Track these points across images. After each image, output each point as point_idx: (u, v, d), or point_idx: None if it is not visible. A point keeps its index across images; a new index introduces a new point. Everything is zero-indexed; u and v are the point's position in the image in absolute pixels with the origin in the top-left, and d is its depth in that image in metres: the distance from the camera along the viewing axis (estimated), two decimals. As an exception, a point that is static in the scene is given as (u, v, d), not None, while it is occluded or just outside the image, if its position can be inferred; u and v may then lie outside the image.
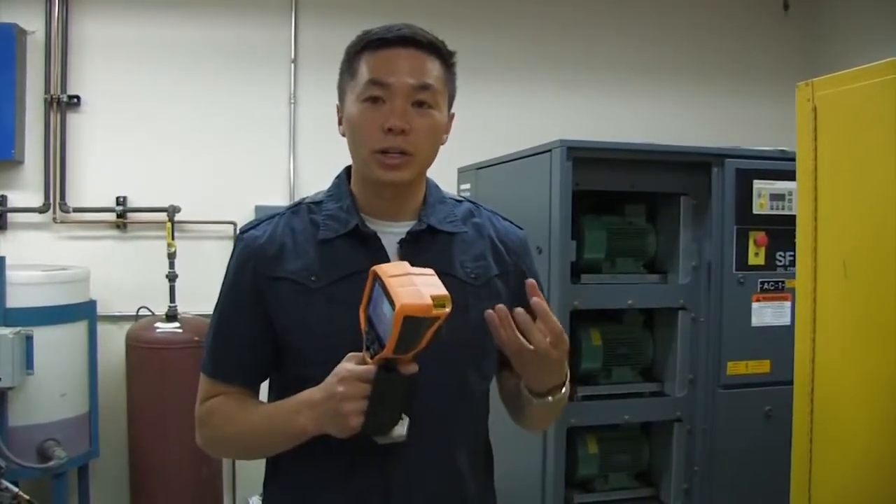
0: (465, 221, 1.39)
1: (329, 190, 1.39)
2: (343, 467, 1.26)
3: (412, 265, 1.25)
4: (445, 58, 1.32)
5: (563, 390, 1.29)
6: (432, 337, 1.09)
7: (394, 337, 1.05)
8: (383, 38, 1.27)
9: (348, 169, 1.40)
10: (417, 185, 1.36)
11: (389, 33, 1.27)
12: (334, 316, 1.26)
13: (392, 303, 1.04)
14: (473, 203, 1.45)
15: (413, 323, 1.05)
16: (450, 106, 1.35)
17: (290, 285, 1.29)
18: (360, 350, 1.16)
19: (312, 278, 1.28)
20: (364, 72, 1.27)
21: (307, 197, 1.40)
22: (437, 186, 1.42)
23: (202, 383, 1.37)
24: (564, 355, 1.21)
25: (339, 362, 1.18)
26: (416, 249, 1.31)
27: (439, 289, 1.07)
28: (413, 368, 1.12)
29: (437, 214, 1.36)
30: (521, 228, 1.48)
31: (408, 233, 1.32)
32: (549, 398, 1.27)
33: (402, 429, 1.16)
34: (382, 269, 1.10)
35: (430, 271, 1.12)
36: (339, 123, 1.35)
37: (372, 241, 1.31)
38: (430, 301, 1.04)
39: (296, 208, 1.37)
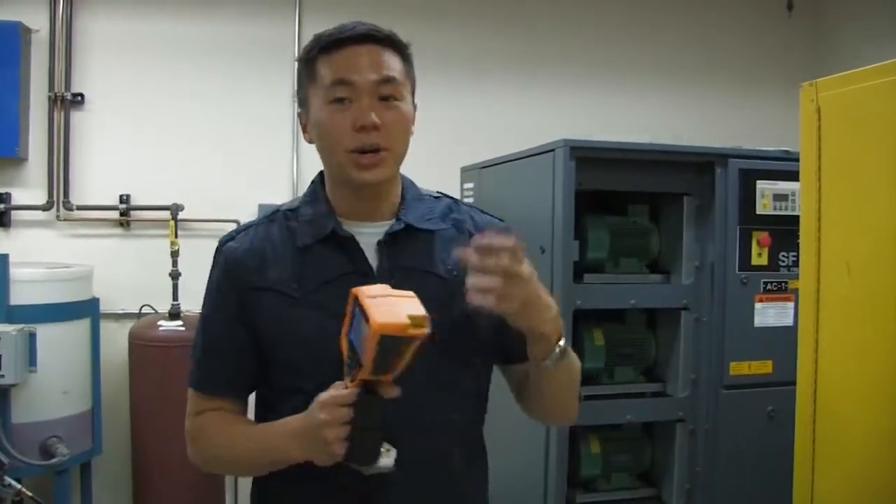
0: (445, 218, 1.37)
1: (305, 196, 1.37)
2: (328, 493, 1.24)
3: (393, 266, 1.26)
4: (402, 49, 1.30)
5: (563, 342, 1.22)
6: (411, 358, 1.08)
7: (369, 356, 1.05)
8: (339, 39, 1.26)
9: (322, 174, 1.38)
10: (393, 182, 1.34)
11: (344, 33, 1.27)
12: (320, 323, 1.22)
13: (369, 322, 1.04)
14: (453, 199, 1.43)
15: (390, 342, 1.04)
16: (412, 96, 1.33)
17: (274, 296, 1.27)
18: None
19: (294, 286, 1.26)
20: (326, 74, 1.26)
21: (284, 204, 1.39)
22: (413, 184, 1.40)
23: (190, 398, 1.36)
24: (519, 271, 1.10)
25: (330, 371, 1.16)
26: (396, 249, 1.30)
27: (418, 309, 1.06)
28: (394, 392, 1.11)
29: (414, 212, 1.34)
30: (501, 221, 1.45)
31: (386, 234, 1.30)
32: (556, 350, 1.21)
33: (389, 460, 1.14)
34: (361, 291, 1.09)
35: (411, 294, 1.10)
36: (304, 131, 1.34)
37: (349, 243, 1.29)
38: (406, 320, 1.03)
39: (272, 216, 1.36)
